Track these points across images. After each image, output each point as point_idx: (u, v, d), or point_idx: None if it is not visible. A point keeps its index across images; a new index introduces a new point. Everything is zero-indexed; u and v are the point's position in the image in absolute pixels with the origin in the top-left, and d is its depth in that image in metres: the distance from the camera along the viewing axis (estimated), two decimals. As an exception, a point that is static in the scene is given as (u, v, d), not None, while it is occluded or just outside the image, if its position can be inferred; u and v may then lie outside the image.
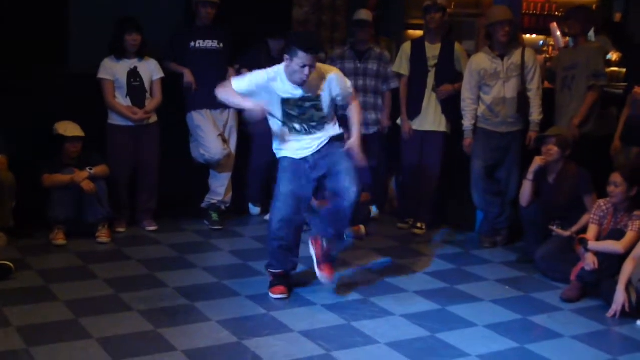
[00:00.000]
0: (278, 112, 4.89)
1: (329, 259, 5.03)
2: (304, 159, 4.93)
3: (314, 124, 4.92)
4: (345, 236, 5.36)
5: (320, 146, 4.94)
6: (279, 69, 4.84)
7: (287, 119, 4.90)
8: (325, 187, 5.05)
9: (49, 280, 5.04)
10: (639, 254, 4.87)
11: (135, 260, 5.58)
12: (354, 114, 5.02)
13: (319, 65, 4.88)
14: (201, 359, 3.99)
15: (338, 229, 5.09)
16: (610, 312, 4.85)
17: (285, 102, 4.86)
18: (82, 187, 5.77)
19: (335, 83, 4.90)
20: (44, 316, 4.45)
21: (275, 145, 5.05)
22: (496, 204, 6.31)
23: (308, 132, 4.93)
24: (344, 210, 4.88)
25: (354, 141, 4.89)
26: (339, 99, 4.97)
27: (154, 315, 4.53)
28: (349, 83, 5.04)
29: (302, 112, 4.88)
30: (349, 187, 4.81)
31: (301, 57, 4.65)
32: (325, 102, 4.90)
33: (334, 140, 4.97)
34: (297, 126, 4.91)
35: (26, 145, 5.89)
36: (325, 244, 5.00)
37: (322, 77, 4.87)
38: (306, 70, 4.69)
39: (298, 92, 4.84)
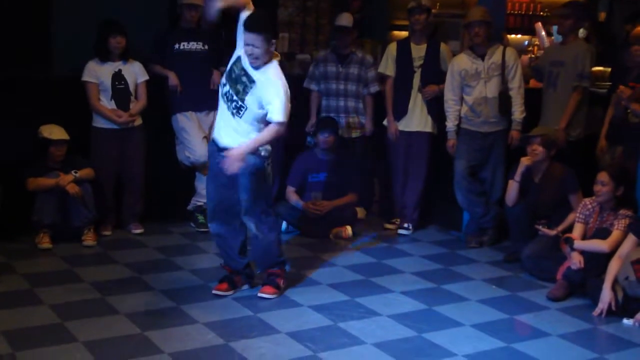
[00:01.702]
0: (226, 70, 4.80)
1: (269, 282, 5.02)
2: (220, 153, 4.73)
3: (237, 103, 4.66)
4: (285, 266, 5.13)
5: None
6: None
7: (227, 79, 4.72)
8: None
9: (34, 284, 5.02)
10: (625, 252, 4.89)
11: (121, 263, 5.56)
12: (263, 132, 4.67)
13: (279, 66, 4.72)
14: (188, 362, 3.99)
15: (263, 262, 5.08)
16: (597, 311, 4.86)
17: (236, 61, 4.74)
18: (67, 190, 5.75)
19: (263, 86, 4.62)
20: (29, 320, 4.43)
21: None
22: (480, 204, 6.33)
23: (234, 112, 4.68)
24: (257, 243, 4.95)
25: (233, 151, 4.58)
26: (262, 103, 4.64)
27: (141, 318, 4.52)
28: (276, 102, 4.57)
29: (236, 81, 4.69)
30: (245, 222, 4.91)
31: (245, 37, 4.59)
32: (252, 96, 4.63)
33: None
34: (228, 92, 4.70)
35: (11, 148, 5.85)
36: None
37: (268, 74, 4.64)
38: (249, 49, 4.56)
39: (245, 62, 4.67)
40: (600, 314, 4.84)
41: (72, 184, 5.78)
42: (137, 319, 4.48)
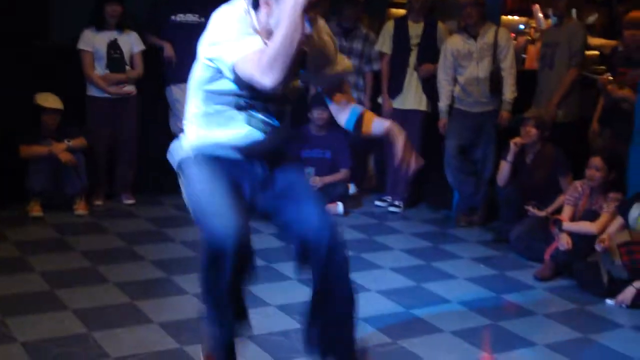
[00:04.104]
0: None
1: None
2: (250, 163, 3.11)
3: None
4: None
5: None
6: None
7: None
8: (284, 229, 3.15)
9: (25, 251, 5.04)
10: (612, 233, 4.93)
11: (112, 233, 5.58)
12: None
13: None
14: (177, 332, 3.99)
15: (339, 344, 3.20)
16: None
17: None
18: (60, 158, 5.75)
19: None
20: (19, 287, 4.45)
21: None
22: (469, 183, 6.36)
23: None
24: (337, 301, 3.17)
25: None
26: None
27: (131, 287, 4.54)
28: None
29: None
30: (323, 230, 2.98)
31: None
32: None
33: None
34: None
35: (4, 116, 5.84)
36: None
37: None
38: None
39: None
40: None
41: (65, 152, 5.78)
42: (127, 289, 4.51)
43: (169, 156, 3.22)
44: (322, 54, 3.04)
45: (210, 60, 2.88)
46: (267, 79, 2.61)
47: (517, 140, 5.79)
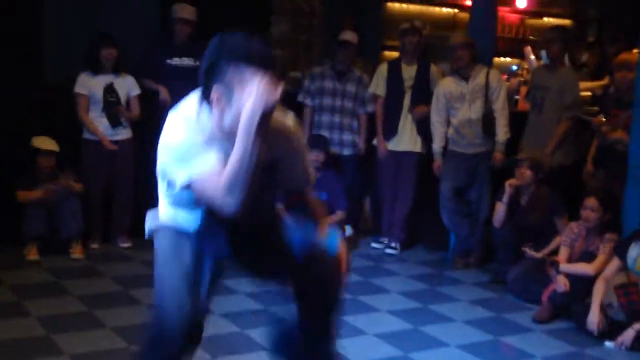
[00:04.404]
0: None
1: None
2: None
3: None
4: None
5: None
6: None
7: None
8: None
9: (21, 296, 5.01)
10: (609, 275, 4.93)
11: (108, 276, 5.56)
12: None
13: None
14: (174, 377, 3.97)
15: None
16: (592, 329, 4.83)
17: None
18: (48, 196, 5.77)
19: None
20: (16, 332, 4.43)
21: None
22: (465, 225, 6.37)
23: None
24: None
25: None
26: None
27: (128, 332, 4.51)
28: None
29: None
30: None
31: None
32: None
33: None
34: None
35: (0, 160, 5.85)
36: None
37: None
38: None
39: None
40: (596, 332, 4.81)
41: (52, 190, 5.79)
42: (123, 333, 4.48)
43: (146, 224, 3.20)
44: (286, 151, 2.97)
45: (166, 169, 2.85)
46: (228, 202, 2.58)
47: (512, 181, 5.83)
